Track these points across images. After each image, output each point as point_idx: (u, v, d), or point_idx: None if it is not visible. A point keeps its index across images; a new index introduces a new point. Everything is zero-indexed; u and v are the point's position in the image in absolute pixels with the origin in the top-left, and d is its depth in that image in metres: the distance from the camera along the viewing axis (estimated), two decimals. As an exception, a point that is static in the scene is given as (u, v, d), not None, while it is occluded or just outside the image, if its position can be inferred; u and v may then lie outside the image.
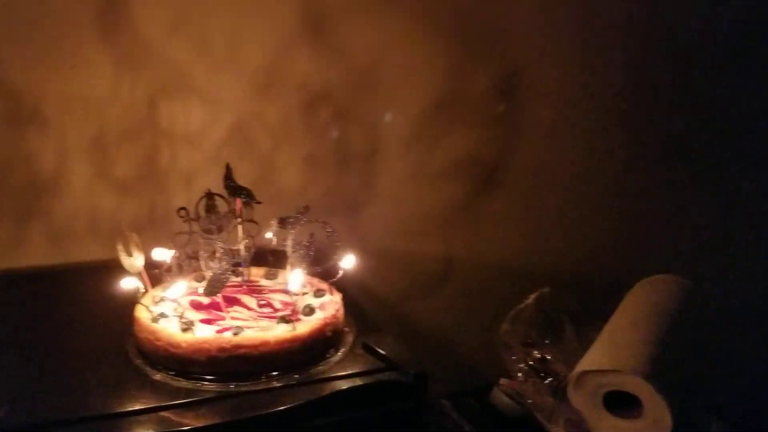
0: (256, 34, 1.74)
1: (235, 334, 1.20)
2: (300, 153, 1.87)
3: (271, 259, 1.48)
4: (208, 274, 1.24)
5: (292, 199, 1.85)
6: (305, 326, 1.25)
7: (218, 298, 1.33)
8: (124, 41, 1.63)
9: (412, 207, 2.02)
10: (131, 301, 1.27)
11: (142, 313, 1.26)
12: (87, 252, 1.68)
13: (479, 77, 1.98)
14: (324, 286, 1.43)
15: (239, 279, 1.44)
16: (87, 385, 1.16)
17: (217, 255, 1.24)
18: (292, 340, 1.22)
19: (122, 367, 1.22)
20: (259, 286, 1.46)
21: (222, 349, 1.18)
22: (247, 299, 1.38)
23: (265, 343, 1.19)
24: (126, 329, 1.29)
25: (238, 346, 1.18)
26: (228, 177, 1.39)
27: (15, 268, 1.64)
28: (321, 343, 1.27)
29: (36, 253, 1.67)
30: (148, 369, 1.21)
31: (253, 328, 1.24)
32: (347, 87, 1.86)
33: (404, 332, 1.57)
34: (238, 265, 1.45)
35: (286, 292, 1.42)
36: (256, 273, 1.51)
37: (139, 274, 1.30)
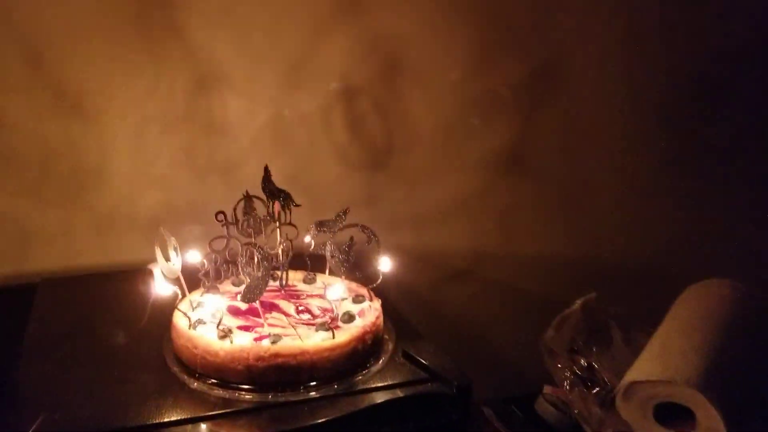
0: (292, 27, 1.71)
1: (273, 342, 1.18)
2: (336, 146, 1.84)
3: (309, 262, 1.44)
4: (246, 279, 1.21)
5: (329, 193, 1.84)
6: (344, 334, 1.22)
7: (256, 303, 1.31)
8: (163, 35, 1.62)
9: (450, 202, 1.98)
10: (170, 305, 1.25)
11: (179, 320, 1.24)
12: (128, 247, 1.69)
13: (514, 69, 1.92)
14: (363, 291, 1.39)
15: (277, 284, 1.41)
16: (124, 393, 1.14)
17: (256, 260, 1.21)
18: (332, 349, 1.19)
19: (160, 375, 1.21)
20: (297, 290, 1.43)
21: (259, 358, 1.15)
22: (285, 305, 1.35)
23: (303, 352, 1.16)
24: (165, 334, 1.27)
25: (275, 355, 1.15)
26: (266, 180, 1.36)
27: (59, 267, 1.65)
28: (360, 352, 1.23)
29: (81, 245, 1.68)
30: (185, 377, 1.19)
31: (292, 336, 1.21)
32: (380, 79, 1.83)
33: (445, 336, 1.52)
34: (276, 269, 1.43)
35: (324, 297, 1.39)
36: (294, 277, 1.48)
37: (177, 279, 1.28)
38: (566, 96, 1.98)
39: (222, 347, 1.16)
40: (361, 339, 1.23)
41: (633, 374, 1.46)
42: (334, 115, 1.82)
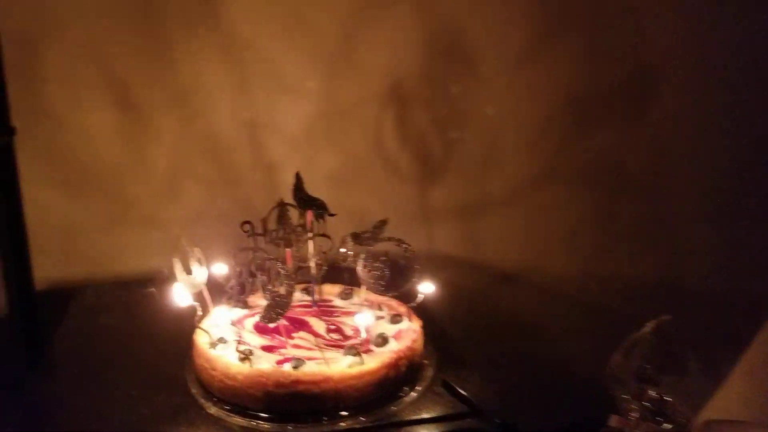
0: (341, 20, 1.61)
1: (295, 367, 1.07)
2: (384, 149, 1.72)
3: (347, 276, 1.33)
4: (266, 298, 1.11)
5: (374, 201, 1.72)
6: (375, 360, 1.10)
7: (283, 320, 1.21)
8: (206, 31, 1.56)
9: (509, 214, 1.82)
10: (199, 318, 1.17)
11: (200, 337, 1.16)
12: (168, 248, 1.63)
13: (610, 73, 1.74)
14: (402, 310, 1.27)
15: (309, 298, 1.31)
16: (137, 415, 1.08)
17: (277, 277, 1.11)
18: (359, 377, 1.07)
19: (178, 396, 1.13)
20: (331, 306, 1.32)
21: (279, 384, 1.05)
22: (315, 322, 1.25)
23: (327, 379, 1.05)
24: (187, 351, 1.19)
25: (297, 382, 1.04)
26: (298, 188, 1.26)
27: (101, 269, 1.63)
28: (393, 380, 1.11)
29: (122, 244, 1.64)
30: (203, 400, 1.10)
31: (317, 359, 1.10)
32: (443, 78, 1.69)
33: (495, 357, 1.37)
34: (307, 282, 1.33)
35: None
36: (330, 291, 1.37)
37: (199, 291, 1.19)
38: (659, 108, 1.77)
39: (240, 371, 1.07)
40: (393, 365, 1.10)
41: (711, 411, 1.27)
42: (386, 116, 1.70)
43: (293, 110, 1.65)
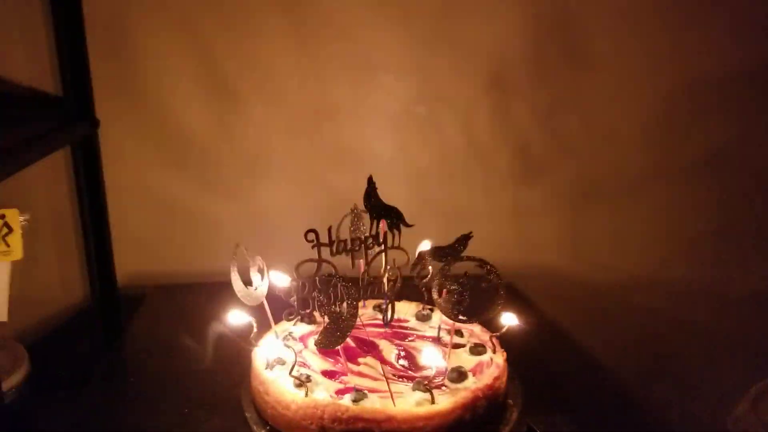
0: (450, 7, 1.47)
1: (355, 401, 0.94)
2: (480, 148, 1.56)
3: (426, 294, 1.18)
4: (323, 320, 0.98)
5: (468, 202, 1.57)
6: (448, 400, 0.95)
7: (350, 341, 1.08)
8: (308, 15, 1.47)
9: (619, 221, 1.61)
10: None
11: (257, 356, 1.05)
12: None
13: (735, 60, 1.50)
14: (486, 338, 1.11)
15: (381, 317, 1.18)
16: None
17: (340, 295, 0.98)
18: (428, 418, 0.92)
19: (231, 420, 1.04)
20: (405, 328, 1.18)
21: (336, 419, 0.92)
22: (386, 346, 1.11)
23: (389, 419, 0.91)
24: (247, 369, 1.09)
25: (356, 418, 0.91)
26: (370, 194, 1.13)
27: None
28: (468, 423, 0.96)
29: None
30: (256, 427, 0.99)
31: (381, 393, 0.96)
32: (551, 68, 1.51)
33: (595, 398, 1.18)
34: (380, 299, 1.19)
35: (438, 340, 1.13)
36: (406, 310, 1.23)
37: (261, 305, 1.08)
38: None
39: (294, 399, 0.95)
40: (469, 406, 0.95)
41: None
42: (484, 103, 1.53)
43: (380, 97, 1.51)
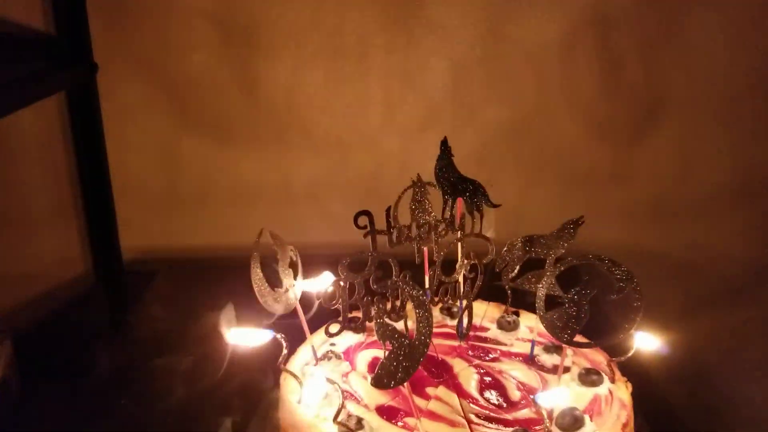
0: None
1: (428, 463, 0.64)
2: (576, 99, 1.23)
3: (510, 296, 0.89)
4: (383, 346, 0.68)
5: (561, 186, 1.26)
6: (563, 462, 0.65)
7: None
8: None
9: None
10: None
11: (287, 386, 0.77)
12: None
13: None
14: (600, 361, 0.81)
15: (452, 324, 0.89)
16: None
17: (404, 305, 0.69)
18: (535, 493, 0.63)
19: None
20: (486, 342, 0.89)
21: (402, 491, 0.63)
22: (462, 369, 0.82)
23: (482, 496, 0.62)
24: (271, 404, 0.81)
25: (431, 491, 0.62)
26: (445, 163, 0.82)
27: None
28: (590, 496, 0.66)
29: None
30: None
31: (464, 446, 0.67)
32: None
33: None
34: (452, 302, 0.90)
35: (532, 360, 0.83)
36: (485, 315, 0.94)
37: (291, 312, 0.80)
38: None
39: (340, 456, 0.66)
40: (594, 472, 0.65)
41: None
42: (574, 57, 1.22)
43: (442, 53, 1.22)
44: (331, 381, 0.71)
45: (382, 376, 0.65)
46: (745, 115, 1.24)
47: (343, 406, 0.68)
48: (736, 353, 1.05)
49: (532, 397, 0.75)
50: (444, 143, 0.82)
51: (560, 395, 0.65)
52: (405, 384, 0.71)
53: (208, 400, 0.89)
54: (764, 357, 1.10)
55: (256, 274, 0.76)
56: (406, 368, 0.66)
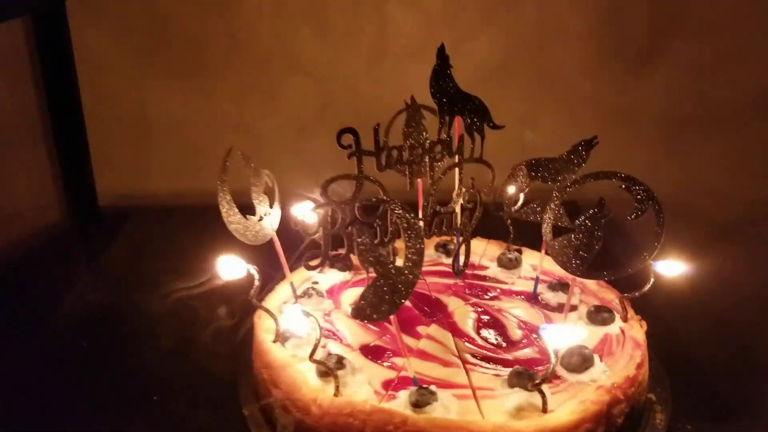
0: None
1: (417, 405, 0.56)
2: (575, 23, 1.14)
3: (512, 229, 0.80)
4: (367, 273, 0.60)
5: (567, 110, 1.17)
6: (570, 406, 0.57)
7: (407, 302, 0.71)
8: None
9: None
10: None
11: (261, 326, 0.69)
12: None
13: None
14: (611, 299, 0.73)
15: (448, 262, 0.80)
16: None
17: (394, 233, 0.60)
18: (539, 438, 0.55)
19: (223, 420, 0.67)
20: (484, 280, 0.80)
21: (385, 436, 0.55)
22: (458, 307, 0.74)
23: (477, 440, 0.54)
24: (246, 344, 0.73)
25: (418, 435, 0.55)
26: (441, 75, 0.73)
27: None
28: (600, 441, 0.58)
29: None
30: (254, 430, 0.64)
31: (457, 388, 0.59)
32: None
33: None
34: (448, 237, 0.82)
35: (535, 299, 0.75)
36: (485, 252, 0.85)
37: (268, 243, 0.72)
38: None
39: (317, 398, 0.58)
40: (603, 415, 0.57)
41: None
42: None
43: None
44: (307, 314, 0.62)
45: (364, 307, 0.57)
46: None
47: (319, 341, 0.60)
48: (761, 291, 0.97)
49: (535, 334, 0.67)
50: (441, 51, 0.72)
51: (568, 331, 0.57)
52: (393, 321, 0.63)
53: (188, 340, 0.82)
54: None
55: (224, 199, 0.67)
56: (391, 300, 0.58)
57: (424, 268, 0.83)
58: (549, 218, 0.63)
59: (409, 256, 0.58)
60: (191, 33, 1.16)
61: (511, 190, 0.77)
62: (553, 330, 0.56)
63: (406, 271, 0.58)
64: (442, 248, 0.86)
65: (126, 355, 0.80)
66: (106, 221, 1.21)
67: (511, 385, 0.60)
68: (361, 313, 0.57)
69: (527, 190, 0.76)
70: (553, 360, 0.55)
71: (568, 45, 1.16)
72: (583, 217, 0.62)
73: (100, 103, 1.18)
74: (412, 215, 0.58)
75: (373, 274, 0.58)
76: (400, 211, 0.58)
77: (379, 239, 0.65)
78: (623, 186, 0.60)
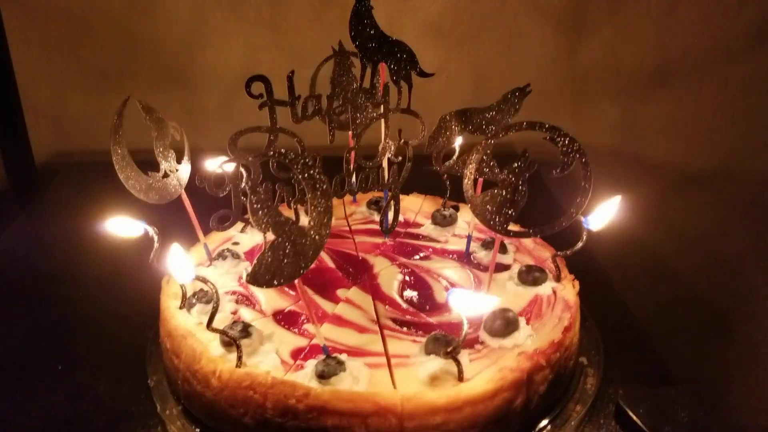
0: None
1: (323, 377, 0.52)
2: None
3: (448, 185, 0.76)
4: (264, 235, 0.55)
5: (505, 63, 1.11)
6: (487, 375, 0.53)
7: (328, 259, 0.67)
8: None
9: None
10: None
11: (168, 291, 0.64)
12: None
13: None
14: (544, 257, 0.69)
15: (377, 220, 0.76)
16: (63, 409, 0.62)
17: (301, 191, 0.55)
18: (454, 409, 0.52)
19: (128, 391, 0.65)
20: (417, 237, 0.76)
21: (287, 410, 0.51)
22: (384, 268, 0.70)
23: (386, 410, 0.50)
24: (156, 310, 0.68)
25: (322, 410, 0.51)
26: (361, 17, 0.66)
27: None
28: (521, 411, 0.55)
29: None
30: (160, 404, 0.60)
31: (371, 356, 0.56)
32: None
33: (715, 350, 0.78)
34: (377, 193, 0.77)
35: (468, 258, 0.71)
36: (417, 208, 0.81)
37: (175, 201, 0.66)
38: None
39: (217, 371, 0.54)
40: (523, 384, 0.54)
41: None
42: None
43: None
44: (201, 279, 0.57)
45: (261, 272, 0.52)
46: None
47: (216, 309, 0.55)
48: (698, 244, 0.93)
49: (450, 298, 0.62)
50: (361, -7, 0.66)
51: (477, 297, 0.52)
52: (299, 285, 0.58)
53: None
54: (723, 250, 0.99)
55: (118, 152, 0.61)
56: (295, 263, 0.53)
57: (354, 227, 0.79)
58: (469, 173, 0.58)
59: (315, 215, 0.53)
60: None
61: (440, 141, 0.71)
62: (461, 295, 0.52)
63: (312, 232, 0.53)
64: (375, 205, 0.82)
65: (34, 316, 0.75)
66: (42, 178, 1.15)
67: (428, 352, 0.56)
68: (258, 279, 0.52)
69: (460, 142, 0.71)
70: (465, 327, 0.51)
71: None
72: (506, 171, 0.57)
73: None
74: (317, 171, 0.53)
75: (277, 237, 0.53)
76: (302, 166, 0.53)
77: (286, 198, 0.60)
78: (547, 137, 0.55)
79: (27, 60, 1.12)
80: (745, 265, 0.95)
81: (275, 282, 0.52)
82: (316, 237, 0.53)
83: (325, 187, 0.53)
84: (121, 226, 0.60)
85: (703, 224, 1.04)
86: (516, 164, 0.57)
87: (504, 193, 0.57)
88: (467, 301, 0.51)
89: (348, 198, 0.83)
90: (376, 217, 0.80)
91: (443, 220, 0.78)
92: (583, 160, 0.55)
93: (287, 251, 0.52)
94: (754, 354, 0.86)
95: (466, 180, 0.59)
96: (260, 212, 0.52)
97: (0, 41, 1.07)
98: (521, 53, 1.13)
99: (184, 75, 1.15)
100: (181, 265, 0.54)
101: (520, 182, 0.57)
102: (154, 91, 1.16)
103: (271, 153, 0.54)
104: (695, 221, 1.05)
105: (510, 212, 0.58)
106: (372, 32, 0.68)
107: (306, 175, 0.53)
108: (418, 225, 0.79)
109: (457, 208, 0.80)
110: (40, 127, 1.17)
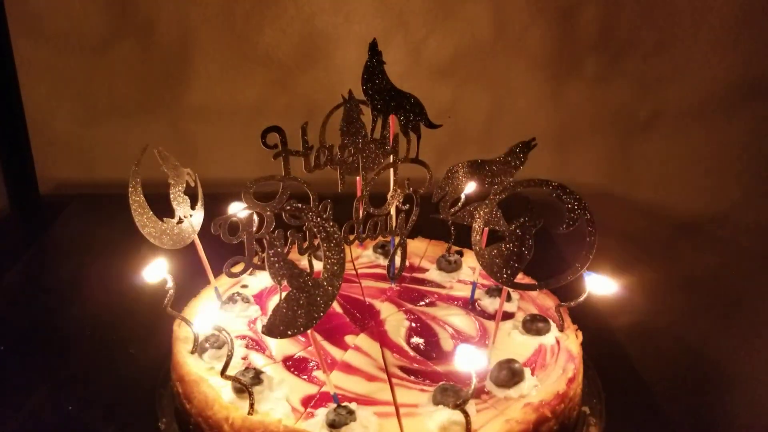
0: None
1: (333, 425, 0.53)
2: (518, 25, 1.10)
3: (453, 231, 0.78)
4: (279, 287, 0.56)
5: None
6: (494, 429, 0.54)
7: (335, 305, 0.68)
8: None
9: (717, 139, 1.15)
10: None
11: (179, 335, 0.65)
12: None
13: None
14: (547, 305, 0.70)
15: (384, 264, 0.78)
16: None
17: (312, 241, 0.56)
18: (461, 461, 0.53)
19: (141, 428, 0.63)
20: (423, 283, 0.78)
21: (299, 459, 0.52)
22: (391, 314, 0.71)
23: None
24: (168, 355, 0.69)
25: (333, 459, 0.52)
26: (373, 72, 0.69)
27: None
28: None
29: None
30: (172, 449, 0.60)
31: (380, 405, 0.57)
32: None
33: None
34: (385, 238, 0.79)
35: (472, 305, 0.72)
36: (422, 252, 0.82)
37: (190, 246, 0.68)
38: None
39: (229, 416, 0.55)
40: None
41: None
42: None
43: None
44: (218, 329, 0.59)
45: (276, 323, 0.53)
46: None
47: (231, 357, 0.56)
48: (699, 300, 0.95)
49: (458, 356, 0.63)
50: (373, 47, 0.68)
51: (479, 357, 0.54)
52: (310, 334, 0.60)
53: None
54: (728, 303, 1.00)
55: (135, 199, 0.63)
56: (308, 313, 0.54)
57: (360, 270, 0.80)
58: (478, 226, 0.60)
59: (328, 266, 0.55)
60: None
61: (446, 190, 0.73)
62: (468, 352, 0.53)
63: (325, 283, 0.55)
64: (381, 249, 0.83)
65: (44, 359, 0.76)
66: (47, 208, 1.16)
67: (436, 402, 0.57)
68: (273, 330, 0.53)
69: (467, 192, 0.73)
70: (474, 382, 0.52)
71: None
72: (513, 226, 0.59)
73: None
74: (330, 223, 0.55)
75: (287, 288, 0.54)
76: (317, 219, 0.55)
77: (298, 247, 0.61)
78: (554, 195, 0.58)
79: (37, 89, 1.13)
80: (745, 313, 0.97)
81: (289, 333, 0.54)
82: (329, 288, 0.55)
83: (338, 238, 0.55)
84: (148, 273, 0.61)
85: (702, 269, 1.06)
86: (523, 219, 0.59)
87: (512, 246, 0.59)
88: (475, 359, 0.52)
89: (355, 244, 0.84)
90: (382, 262, 0.81)
91: (448, 266, 0.80)
92: (590, 219, 0.57)
93: (301, 302, 0.54)
94: (755, 409, 0.87)
95: (474, 234, 0.60)
96: (277, 265, 0.53)
97: (8, 68, 1.10)
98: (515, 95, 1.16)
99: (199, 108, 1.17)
100: (199, 317, 0.56)
101: (527, 237, 0.59)
102: (168, 124, 1.18)
103: (288, 207, 0.56)
104: (695, 265, 1.07)
105: (517, 265, 0.59)
106: (383, 85, 0.70)
107: (320, 228, 0.55)
108: (423, 270, 0.81)
109: (461, 254, 0.82)
110: (47, 156, 1.19)
